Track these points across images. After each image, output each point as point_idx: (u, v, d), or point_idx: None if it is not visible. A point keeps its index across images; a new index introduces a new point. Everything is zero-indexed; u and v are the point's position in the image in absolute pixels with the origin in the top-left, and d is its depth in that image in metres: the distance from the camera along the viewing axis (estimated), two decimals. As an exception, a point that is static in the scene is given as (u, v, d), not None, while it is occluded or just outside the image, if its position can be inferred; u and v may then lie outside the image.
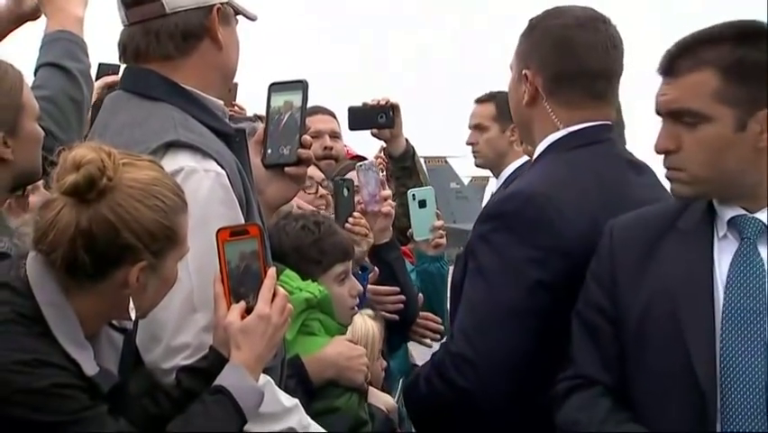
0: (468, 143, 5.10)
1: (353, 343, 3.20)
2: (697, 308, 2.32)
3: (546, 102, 2.79)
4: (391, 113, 4.33)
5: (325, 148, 4.47)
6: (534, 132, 2.85)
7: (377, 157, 4.53)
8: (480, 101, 5.12)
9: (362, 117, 4.37)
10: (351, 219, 3.74)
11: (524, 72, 2.80)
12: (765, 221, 2.36)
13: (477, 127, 5.00)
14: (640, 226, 2.46)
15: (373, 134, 4.53)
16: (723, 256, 2.36)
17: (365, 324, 3.29)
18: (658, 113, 2.40)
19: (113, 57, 2.77)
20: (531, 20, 2.87)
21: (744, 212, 2.36)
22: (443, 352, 2.75)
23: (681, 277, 2.34)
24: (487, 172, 5.24)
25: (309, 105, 4.53)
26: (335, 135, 4.59)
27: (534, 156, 2.84)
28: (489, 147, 4.97)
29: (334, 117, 4.64)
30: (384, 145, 4.58)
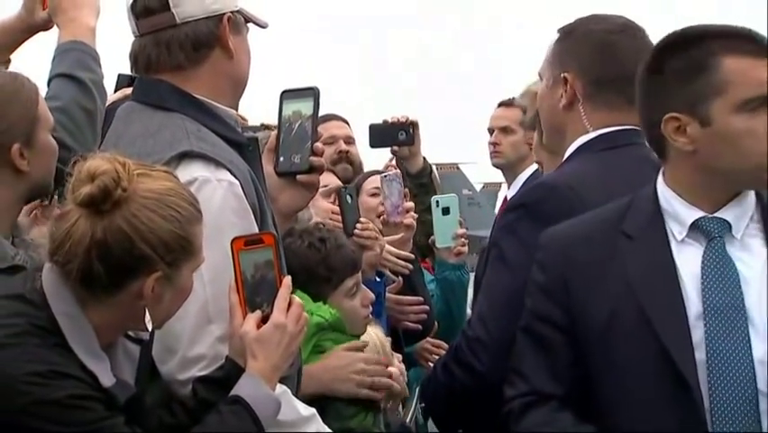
0: (491, 143, 5.16)
1: (353, 351, 3.12)
2: (665, 307, 2.33)
3: (582, 105, 2.81)
4: (411, 130, 4.37)
5: (340, 152, 4.49)
6: (566, 136, 2.87)
7: (388, 166, 4.55)
8: (506, 105, 5.18)
9: (383, 135, 4.42)
10: (358, 225, 3.74)
11: (563, 75, 2.82)
12: (730, 220, 2.38)
13: (504, 130, 5.07)
14: (582, 234, 2.45)
15: (393, 152, 4.58)
16: (685, 258, 2.37)
17: (366, 334, 3.26)
18: None
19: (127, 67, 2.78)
20: (565, 27, 2.89)
21: (703, 213, 2.39)
22: (460, 338, 2.78)
23: (644, 280, 2.34)
24: (499, 178, 5.31)
25: (321, 112, 4.56)
26: (350, 141, 4.62)
27: (565, 157, 2.86)
28: (513, 150, 5.05)
29: (347, 124, 4.66)
30: (394, 153, 4.60)
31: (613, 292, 2.35)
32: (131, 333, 2.30)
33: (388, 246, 3.84)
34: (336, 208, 3.79)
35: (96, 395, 2.15)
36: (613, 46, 2.79)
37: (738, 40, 2.35)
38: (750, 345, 2.30)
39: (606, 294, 2.36)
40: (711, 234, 2.38)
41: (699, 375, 2.28)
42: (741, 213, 2.39)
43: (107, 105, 3.20)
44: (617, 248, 2.39)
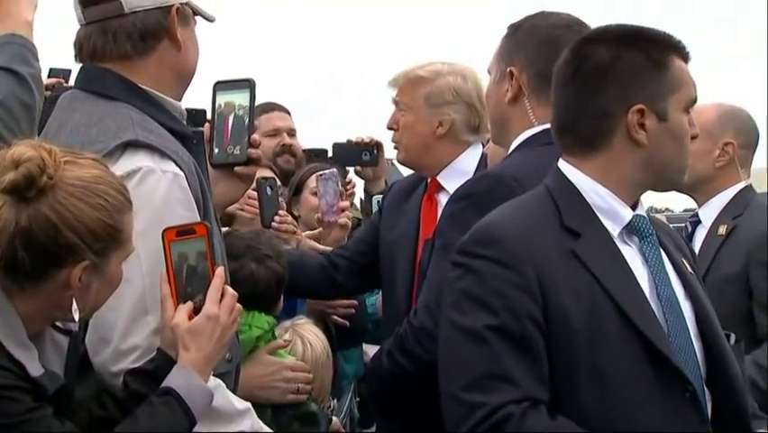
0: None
1: (271, 357, 3.13)
2: (636, 302, 2.29)
3: (527, 99, 2.84)
4: (375, 151, 4.35)
5: (283, 145, 4.52)
6: (510, 130, 2.89)
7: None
8: None
9: (347, 154, 4.41)
10: (276, 218, 3.75)
11: (509, 69, 2.86)
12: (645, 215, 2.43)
13: None
14: (530, 229, 2.33)
15: (356, 172, 4.57)
16: (625, 253, 2.36)
17: (310, 341, 3.25)
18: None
19: (58, 58, 2.74)
20: (513, 23, 2.93)
21: (631, 211, 2.40)
22: (405, 326, 2.78)
23: (610, 277, 2.29)
24: None
25: (265, 102, 4.56)
26: (292, 133, 4.64)
27: (509, 151, 2.89)
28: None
29: (289, 115, 4.67)
30: (357, 173, 4.61)
31: (585, 293, 2.26)
32: (59, 324, 2.27)
33: (306, 241, 3.84)
34: (253, 194, 3.77)
35: (23, 385, 2.11)
36: (557, 41, 2.79)
37: (676, 43, 2.41)
38: (692, 340, 2.32)
39: (578, 295, 2.26)
40: (644, 231, 2.39)
41: None
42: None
43: None
44: (567, 245, 2.31)
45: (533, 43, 2.84)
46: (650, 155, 2.37)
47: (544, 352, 2.24)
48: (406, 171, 3.97)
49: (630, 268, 2.32)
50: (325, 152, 4.69)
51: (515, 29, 2.90)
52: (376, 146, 4.35)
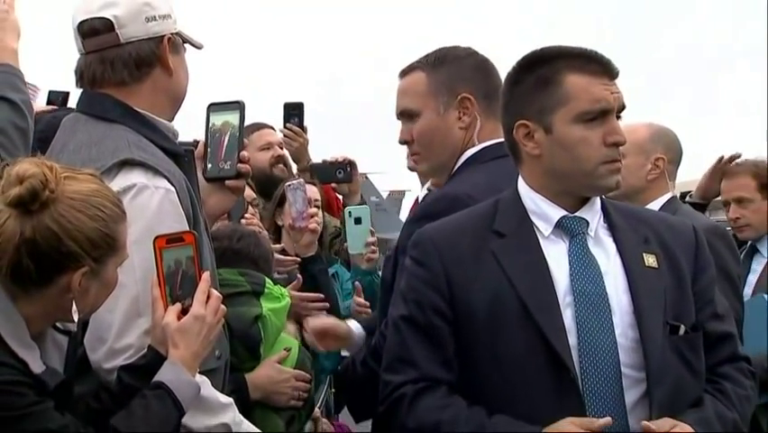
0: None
1: (280, 364, 3.57)
2: (542, 297, 2.53)
3: (480, 120, 3.08)
4: (349, 168, 4.66)
5: (278, 156, 4.95)
6: (461, 155, 3.11)
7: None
8: None
9: (323, 172, 4.73)
10: (243, 220, 4.08)
11: (461, 96, 3.07)
12: (588, 219, 2.63)
13: None
14: (457, 234, 2.65)
15: (333, 189, 4.92)
16: (552, 251, 2.60)
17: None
18: (606, 111, 2.59)
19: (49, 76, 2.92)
20: (427, 62, 3.13)
21: (565, 212, 2.63)
22: (378, 337, 3.00)
23: (520, 274, 2.55)
24: (402, 186, 5.56)
25: (255, 122, 4.93)
26: (282, 146, 5.03)
27: (453, 171, 3.11)
28: None
29: (275, 130, 5.07)
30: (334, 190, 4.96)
31: (492, 287, 2.55)
32: (59, 325, 2.48)
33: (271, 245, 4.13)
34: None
35: (26, 381, 2.31)
36: (486, 63, 3.12)
37: (583, 60, 2.63)
38: (613, 330, 2.53)
39: (486, 289, 2.55)
40: (574, 231, 2.63)
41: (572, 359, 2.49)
42: (594, 213, 2.66)
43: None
44: (489, 246, 2.60)
45: (470, 70, 3.10)
46: (549, 165, 2.63)
47: (449, 338, 2.59)
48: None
49: (547, 265, 2.56)
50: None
51: (438, 64, 3.11)
52: (349, 164, 4.68)
